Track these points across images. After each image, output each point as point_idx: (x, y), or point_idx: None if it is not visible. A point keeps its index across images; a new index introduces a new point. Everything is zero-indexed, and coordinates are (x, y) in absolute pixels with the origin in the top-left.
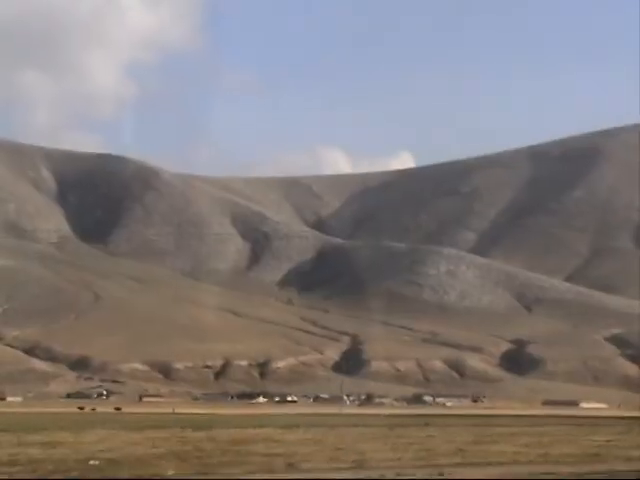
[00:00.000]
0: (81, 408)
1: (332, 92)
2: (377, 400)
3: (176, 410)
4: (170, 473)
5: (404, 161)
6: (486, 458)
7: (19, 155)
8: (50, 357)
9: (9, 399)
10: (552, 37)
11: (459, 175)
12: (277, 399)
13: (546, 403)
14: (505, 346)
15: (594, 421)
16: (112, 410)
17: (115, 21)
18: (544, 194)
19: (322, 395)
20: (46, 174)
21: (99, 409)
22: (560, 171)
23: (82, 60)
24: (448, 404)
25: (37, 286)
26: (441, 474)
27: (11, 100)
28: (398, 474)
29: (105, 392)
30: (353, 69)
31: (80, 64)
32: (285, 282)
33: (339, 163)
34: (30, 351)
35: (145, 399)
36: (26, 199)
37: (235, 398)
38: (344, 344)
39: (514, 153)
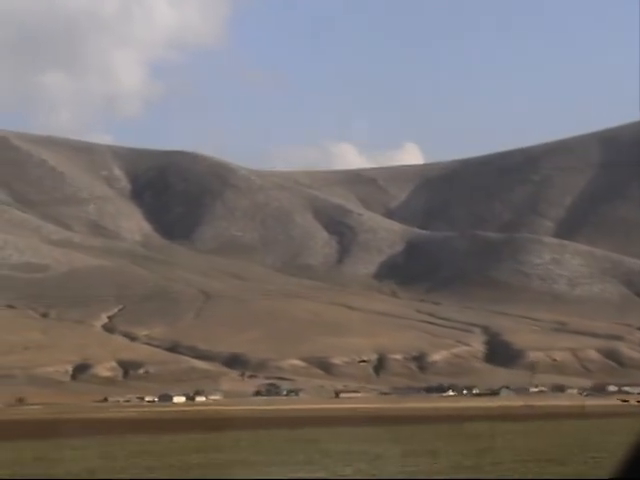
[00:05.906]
0: (624, 401)
1: (344, 88)
2: (568, 391)
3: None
4: None
5: (410, 153)
6: None
7: (88, 154)
8: (199, 355)
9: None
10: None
11: (527, 163)
12: (465, 392)
13: None
14: None
15: None
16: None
17: (141, 20)
18: (618, 179)
19: (506, 386)
20: (118, 173)
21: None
22: (632, 156)
23: (107, 60)
24: None
25: (140, 285)
26: None
27: (36, 100)
28: None
29: (294, 389)
30: (368, 67)
31: (105, 64)
32: (380, 275)
33: (349, 156)
34: (173, 349)
35: (342, 395)
36: (104, 199)
37: (423, 392)
38: (478, 335)
39: (582, 139)
